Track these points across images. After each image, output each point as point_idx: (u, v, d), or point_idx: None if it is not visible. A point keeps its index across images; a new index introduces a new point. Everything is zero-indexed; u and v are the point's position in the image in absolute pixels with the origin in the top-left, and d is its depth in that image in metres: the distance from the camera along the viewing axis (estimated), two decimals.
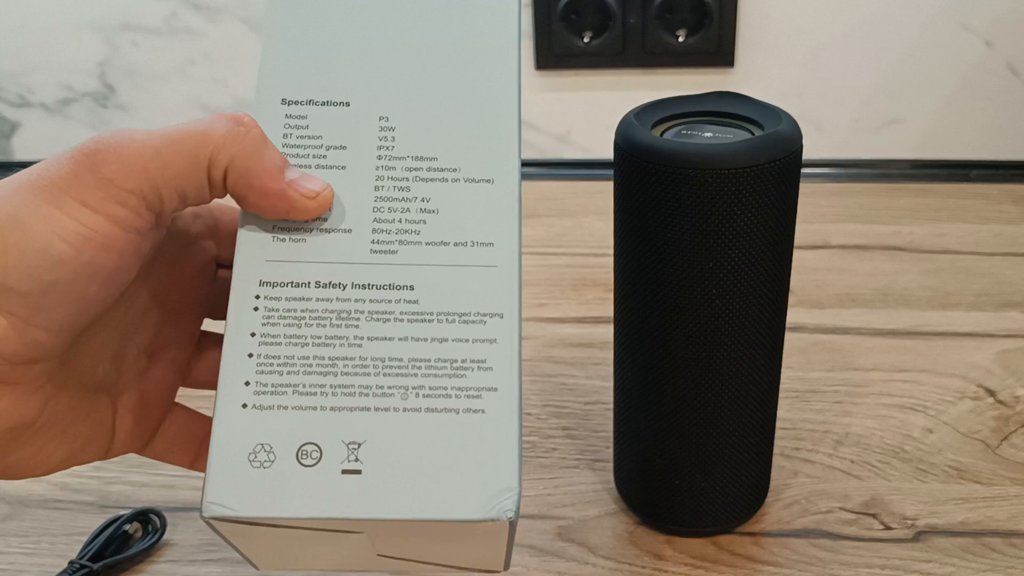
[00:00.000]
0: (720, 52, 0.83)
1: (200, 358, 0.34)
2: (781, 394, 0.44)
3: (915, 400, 0.54)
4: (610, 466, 0.48)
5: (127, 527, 0.45)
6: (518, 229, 0.30)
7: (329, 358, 0.28)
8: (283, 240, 0.29)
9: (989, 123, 0.85)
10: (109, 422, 0.31)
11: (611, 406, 0.46)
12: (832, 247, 0.72)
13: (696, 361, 0.39)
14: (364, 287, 0.29)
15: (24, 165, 0.94)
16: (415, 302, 0.29)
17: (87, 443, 0.30)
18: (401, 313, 0.29)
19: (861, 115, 0.85)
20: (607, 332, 0.61)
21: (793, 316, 0.61)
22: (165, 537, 0.45)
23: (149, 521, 0.46)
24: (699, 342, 0.39)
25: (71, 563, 0.42)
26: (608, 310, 0.63)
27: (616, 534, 0.45)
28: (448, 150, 0.31)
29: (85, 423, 0.30)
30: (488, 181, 0.30)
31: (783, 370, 0.43)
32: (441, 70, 0.32)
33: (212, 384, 0.33)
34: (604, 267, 0.69)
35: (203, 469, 0.33)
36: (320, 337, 0.28)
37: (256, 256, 0.29)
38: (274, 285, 0.29)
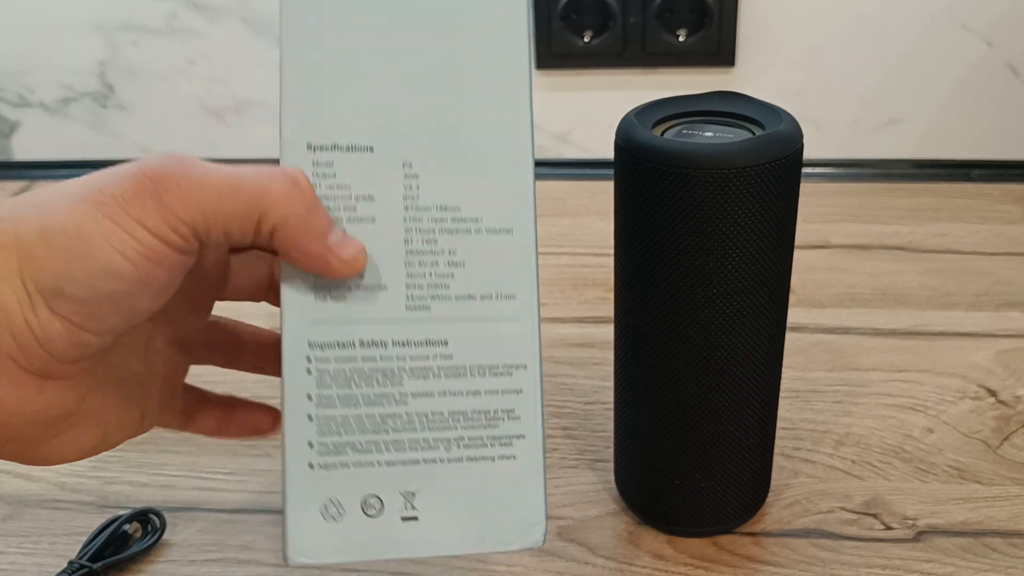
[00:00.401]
0: (720, 52, 0.83)
1: (206, 338, 0.36)
2: (781, 394, 0.44)
3: (915, 400, 0.54)
4: (610, 466, 0.48)
5: (127, 527, 0.45)
6: (536, 279, 0.32)
7: (379, 416, 0.31)
8: (325, 299, 0.31)
9: (989, 123, 0.85)
10: (139, 408, 0.33)
11: (611, 406, 0.46)
12: (832, 247, 0.72)
13: (696, 361, 0.39)
14: (403, 344, 0.31)
15: (24, 165, 0.94)
16: (450, 357, 0.31)
17: (118, 429, 0.32)
18: (439, 368, 0.31)
19: (861, 115, 0.85)
20: (607, 332, 0.60)
21: (793, 316, 0.61)
22: (164, 537, 0.45)
23: (149, 521, 0.46)
24: (699, 342, 0.39)
25: (71, 563, 0.42)
26: (608, 310, 0.63)
27: (616, 534, 0.45)
28: (469, 198, 0.31)
29: (118, 411, 0.32)
30: (508, 231, 0.32)
31: (783, 370, 0.43)
32: (456, 101, 0.31)
33: (214, 360, 0.37)
34: (604, 267, 0.69)
35: (196, 431, 0.37)
36: (369, 396, 0.31)
37: (303, 317, 0.31)
38: (323, 347, 0.31)
